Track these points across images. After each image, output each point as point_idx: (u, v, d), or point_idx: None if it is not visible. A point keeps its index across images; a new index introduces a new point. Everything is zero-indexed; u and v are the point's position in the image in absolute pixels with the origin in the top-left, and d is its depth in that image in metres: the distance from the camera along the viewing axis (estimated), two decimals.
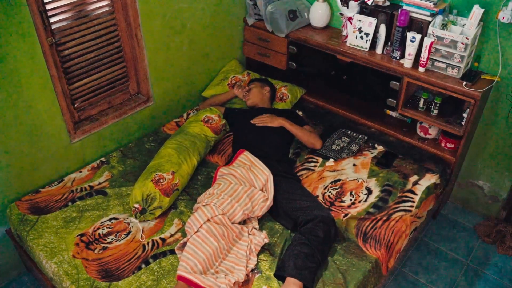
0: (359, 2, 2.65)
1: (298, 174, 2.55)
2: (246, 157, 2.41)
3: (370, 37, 2.65)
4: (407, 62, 2.51)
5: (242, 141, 2.63)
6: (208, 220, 2.03)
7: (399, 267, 2.60)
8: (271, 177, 2.30)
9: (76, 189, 2.41)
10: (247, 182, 2.26)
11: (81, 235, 2.16)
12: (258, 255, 2.08)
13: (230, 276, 1.91)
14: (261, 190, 2.26)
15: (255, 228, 2.17)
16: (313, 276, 1.95)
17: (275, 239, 2.17)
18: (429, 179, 2.51)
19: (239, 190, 2.18)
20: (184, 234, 2.18)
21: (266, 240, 2.10)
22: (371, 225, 2.23)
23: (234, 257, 2.02)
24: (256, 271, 2.01)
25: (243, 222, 2.21)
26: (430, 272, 2.58)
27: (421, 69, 2.48)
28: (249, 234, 2.11)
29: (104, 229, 2.19)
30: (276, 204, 2.26)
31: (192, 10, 2.80)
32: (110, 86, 2.63)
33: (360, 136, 2.84)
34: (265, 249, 2.12)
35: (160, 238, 2.17)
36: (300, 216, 2.14)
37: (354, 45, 2.73)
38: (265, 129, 2.64)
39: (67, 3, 2.23)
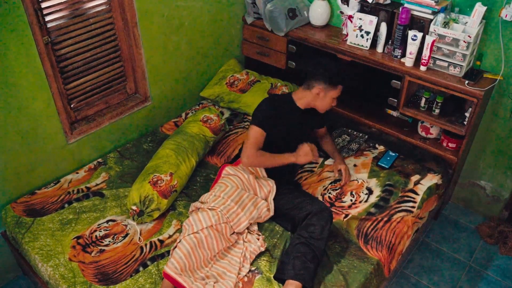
0: (359, 0, 2.62)
1: (298, 176, 2.52)
2: None
3: (371, 35, 2.62)
4: (408, 61, 2.48)
5: (272, 148, 2.25)
6: (211, 226, 1.99)
7: (400, 269, 2.58)
8: (274, 189, 2.23)
9: (73, 191, 2.37)
10: (251, 189, 2.20)
11: (78, 237, 2.12)
12: (258, 256, 2.05)
13: (219, 284, 1.89)
14: (264, 199, 2.22)
15: (252, 232, 2.13)
16: (313, 276, 1.92)
17: (275, 240, 2.14)
18: (431, 179, 2.48)
19: (244, 197, 2.12)
20: None
21: (262, 249, 2.06)
22: (372, 226, 2.20)
23: (227, 263, 2.00)
24: (256, 271, 1.98)
25: None
26: (432, 273, 2.55)
27: (422, 68, 2.45)
28: (244, 241, 2.07)
29: (101, 231, 2.16)
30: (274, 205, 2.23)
31: (190, 9, 2.77)
32: (107, 86, 2.60)
33: (360, 134, 2.81)
34: (265, 250, 2.09)
35: (158, 240, 2.13)
36: (296, 215, 2.11)
37: (354, 43, 2.70)
38: (299, 141, 2.33)
39: (62, 1, 2.19)
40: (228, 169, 2.26)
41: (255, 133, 2.14)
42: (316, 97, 2.24)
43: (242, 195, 2.12)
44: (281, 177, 2.31)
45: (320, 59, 2.47)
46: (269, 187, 2.23)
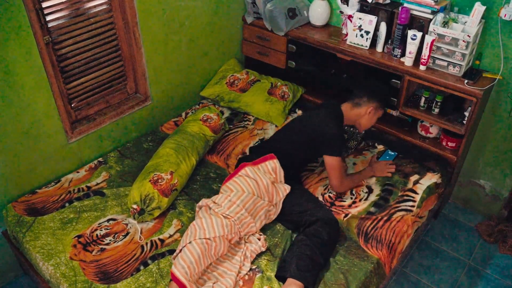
0: (359, 0, 2.63)
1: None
2: (274, 165, 2.22)
3: (371, 35, 2.62)
4: (408, 60, 2.49)
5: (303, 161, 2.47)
6: (223, 235, 1.97)
7: (400, 267, 2.58)
8: (287, 193, 2.21)
9: (74, 190, 2.38)
10: (267, 197, 2.15)
11: (79, 236, 2.13)
12: (259, 255, 2.06)
13: (218, 284, 1.89)
14: (274, 205, 2.20)
15: (254, 234, 2.13)
16: (315, 279, 1.93)
17: (276, 239, 2.15)
18: (430, 179, 2.49)
19: (258, 205, 2.10)
20: (182, 235, 2.14)
21: (263, 249, 2.06)
22: (372, 225, 2.21)
23: (228, 262, 2.00)
24: (257, 270, 1.99)
25: None
26: (432, 272, 2.56)
27: (422, 67, 2.45)
28: (245, 242, 2.08)
29: (102, 230, 2.16)
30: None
31: (190, 8, 2.77)
32: (108, 86, 2.60)
33: (357, 131, 2.81)
34: (266, 249, 2.09)
35: (159, 239, 2.14)
36: (303, 217, 2.11)
37: (354, 43, 2.71)
38: None
39: (63, 1, 2.20)
40: (248, 170, 2.17)
41: (340, 163, 2.27)
42: (365, 115, 2.37)
43: (256, 203, 2.09)
44: (294, 180, 2.30)
45: (373, 80, 2.59)
46: (285, 192, 2.20)
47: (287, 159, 2.27)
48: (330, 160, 2.26)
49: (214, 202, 2.09)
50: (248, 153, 2.58)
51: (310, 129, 2.31)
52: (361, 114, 2.37)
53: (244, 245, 2.05)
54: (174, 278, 1.83)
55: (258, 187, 2.14)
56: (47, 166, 2.42)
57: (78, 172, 2.50)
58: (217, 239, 1.94)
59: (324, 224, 2.06)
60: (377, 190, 2.41)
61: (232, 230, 1.99)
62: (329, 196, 2.38)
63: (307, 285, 1.89)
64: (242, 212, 2.03)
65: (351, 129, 2.82)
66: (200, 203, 2.16)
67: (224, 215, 2.02)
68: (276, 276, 1.96)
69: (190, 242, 1.91)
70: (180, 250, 1.92)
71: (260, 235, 2.13)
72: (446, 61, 2.40)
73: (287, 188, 2.21)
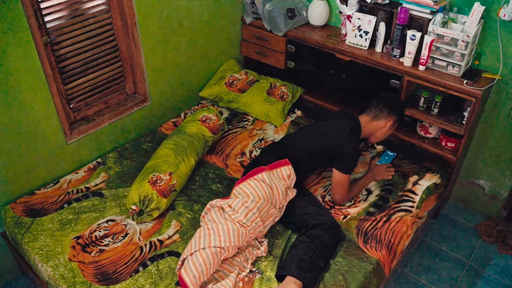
0: (358, 0, 2.63)
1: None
2: (289, 172, 2.17)
3: (370, 35, 2.62)
4: (407, 61, 2.49)
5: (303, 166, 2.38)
6: (237, 245, 1.96)
7: (400, 268, 2.58)
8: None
9: (72, 191, 2.37)
10: (278, 203, 2.12)
11: (77, 237, 2.12)
12: (259, 257, 2.05)
13: (217, 285, 1.88)
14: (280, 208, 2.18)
15: (258, 239, 2.12)
16: (314, 281, 1.92)
17: (276, 240, 2.14)
18: (429, 179, 2.48)
19: (270, 212, 2.07)
20: (182, 236, 2.15)
21: (264, 254, 2.05)
22: (371, 226, 2.21)
23: (228, 263, 1.99)
24: (256, 271, 1.98)
25: None
26: (431, 273, 2.56)
27: (421, 68, 2.45)
28: (247, 244, 2.06)
29: (100, 231, 2.16)
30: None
31: (189, 9, 2.77)
32: (106, 86, 2.60)
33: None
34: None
35: (158, 240, 2.13)
36: (306, 220, 2.10)
37: (353, 43, 2.70)
38: None
39: (62, 1, 2.19)
40: (264, 175, 2.10)
41: (348, 181, 2.28)
42: (383, 128, 2.37)
43: (269, 210, 2.07)
44: (297, 182, 2.28)
45: (392, 94, 2.57)
46: (291, 196, 2.18)
47: (298, 165, 2.24)
48: (339, 176, 2.24)
49: (229, 206, 2.04)
50: (258, 154, 2.50)
51: (327, 140, 2.26)
52: (379, 127, 2.35)
53: (245, 247, 2.05)
54: (182, 283, 1.82)
55: (273, 194, 2.09)
56: (46, 167, 2.41)
57: (77, 173, 2.50)
58: (231, 248, 1.92)
59: (327, 228, 2.05)
60: (376, 191, 2.41)
61: (245, 239, 1.98)
62: (329, 199, 2.37)
63: (306, 285, 1.88)
64: (257, 221, 2.00)
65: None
66: (213, 203, 2.09)
67: (240, 223, 1.98)
68: (276, 275, 1.96)
69: (204, 248, 1.87)
70: (192, 254, 1.88)
71: (263, 239, 2.12)
72: (446, 61, 2.40)
73: (294, 192, 2.20)
